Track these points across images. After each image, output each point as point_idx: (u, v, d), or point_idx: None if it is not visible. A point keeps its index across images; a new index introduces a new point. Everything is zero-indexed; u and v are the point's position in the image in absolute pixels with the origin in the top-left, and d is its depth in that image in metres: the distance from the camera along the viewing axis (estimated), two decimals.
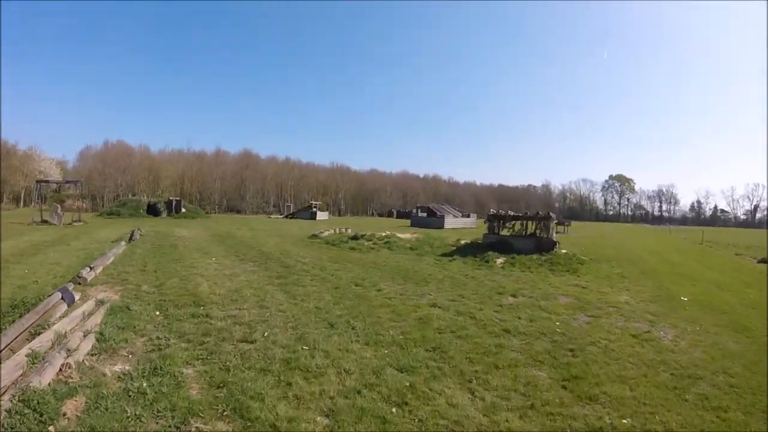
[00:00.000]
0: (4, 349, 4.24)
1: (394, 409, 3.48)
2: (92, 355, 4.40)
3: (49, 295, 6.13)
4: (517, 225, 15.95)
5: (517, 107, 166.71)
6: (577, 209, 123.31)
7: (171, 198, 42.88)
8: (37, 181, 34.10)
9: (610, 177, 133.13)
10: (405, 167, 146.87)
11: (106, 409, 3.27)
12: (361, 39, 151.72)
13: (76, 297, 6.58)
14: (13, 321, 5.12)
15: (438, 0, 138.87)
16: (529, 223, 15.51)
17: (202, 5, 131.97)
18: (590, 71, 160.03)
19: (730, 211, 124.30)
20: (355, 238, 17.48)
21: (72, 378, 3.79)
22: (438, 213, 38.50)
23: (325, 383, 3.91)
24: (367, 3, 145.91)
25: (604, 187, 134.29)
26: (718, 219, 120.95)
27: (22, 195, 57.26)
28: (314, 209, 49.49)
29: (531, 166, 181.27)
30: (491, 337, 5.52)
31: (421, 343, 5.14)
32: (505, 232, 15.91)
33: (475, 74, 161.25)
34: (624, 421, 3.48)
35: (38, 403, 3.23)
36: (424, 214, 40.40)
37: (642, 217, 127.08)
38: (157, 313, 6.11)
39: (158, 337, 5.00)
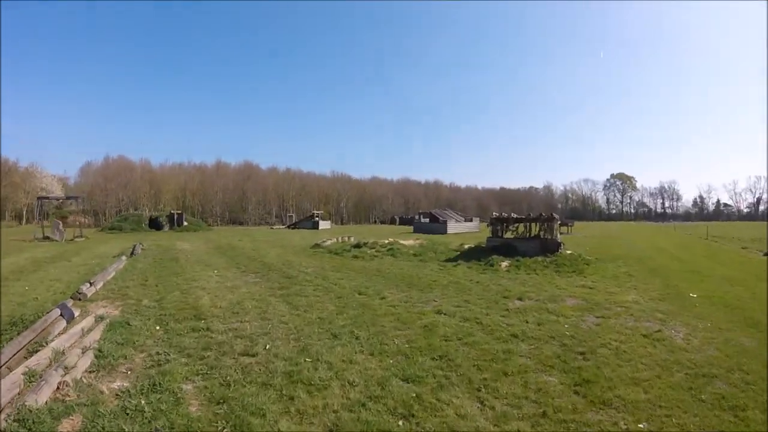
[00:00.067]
0: (1, 367, 4.16)
1: (400, 422, 3.36)
2: (90, 372, 4.31)
3: (48, 312, 6.05)
4: (521, 227, 15.83)
5: (517, 108, 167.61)
6: (579, 209, 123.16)
7: (173, 211, 42.92)
8: (38, 198, 34.16)
9: (612, 176, 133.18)
10: (406, 173, 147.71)
11: (103, 428, 3.20)
12: (360, 46, 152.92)
13: (76, 313, 6.48)
14: (11, 339, 5.04)
15: (438, 1, 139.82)
16: (533, 225, 15.39)
17: (201, 19, 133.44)
18: (590, 71, 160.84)
19: (733, 204, 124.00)
20: (357, 246, 17.37)
21: (69, 396, 3.72)
22: (441, 218, 38.45)
23: (328, 396, 3.79)
24: (367, 9, 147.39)
25: (605, 186, 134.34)
26: (722, 213, 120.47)
27: (24, 212, 57.45)
28: (316, 218, 49.45)
29: (532, 168, 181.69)
30: (499, 342, 5.39)
31: (427, 351, 5.02)
32: (508, 235, 15.79)
33: (476, 77, 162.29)
34: (640, 425, 3.35)
35: (34, 422, 3.19)
36: (427, 220, 40.38)
37: (645, 214, 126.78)
38: (158, 327, 6.00)
39: (158, 353, 4.90)
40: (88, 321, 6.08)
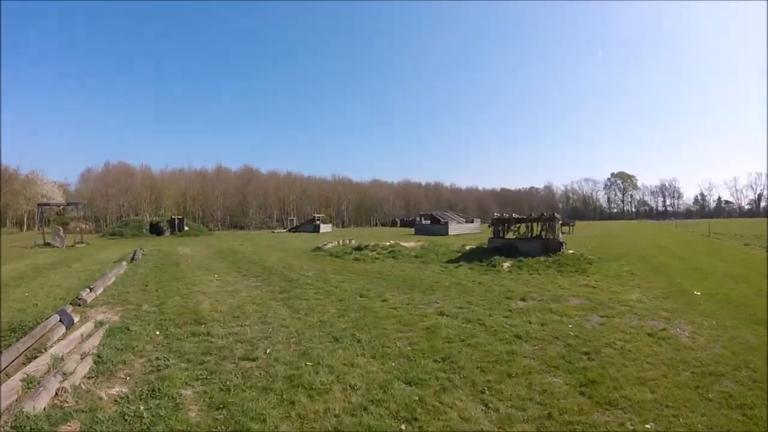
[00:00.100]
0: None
1: (403, 426, 3.30)
2: (89, 378, 4.27)
3: (47, 318, 6.02)
4: (523, 227, 15.77)
5: (517, 108, 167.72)
6: (580, 209, 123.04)
7: (173, 216, 42.92)
8: (39, 204, 34.20)
9: (612, 175, 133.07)
10: (406, 176, 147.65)
11: None
12: (359, 49, 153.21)
13: (75, 319, 6.45)
14: (10, 345, 5.00)
15: (438, 1, 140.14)
16: (535, 225, 15.33)
17: (201, 25, 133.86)
18: (590, 71, 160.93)
19: (734, 201, 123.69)
20: (359, 248, 17.32)
21: (67, 402, 3.69)
22: (442, 220, 38.35)
23: (329, 400, 3.73)
24: (367, 10, 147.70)
25: (606, 185, 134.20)
26: (723, 210, 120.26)
27: (25, 219, 57.52)
28: (317, 222, 49.40)
29: (532, 169, 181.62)
30: (502, 344, 5.32)
31: (430, 353, 4.95)
32: (510, 236, 15.74)
33: (475, 78, 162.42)
34: (647, 426, 3.29)
35: (31, 429, 3.18)
36: (428, 222, 40.25)
37: (646, 213, 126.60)
38: (157, 332, 5.96)
39: (157, 358, 4.85)
40: (87, 327, 6.03)
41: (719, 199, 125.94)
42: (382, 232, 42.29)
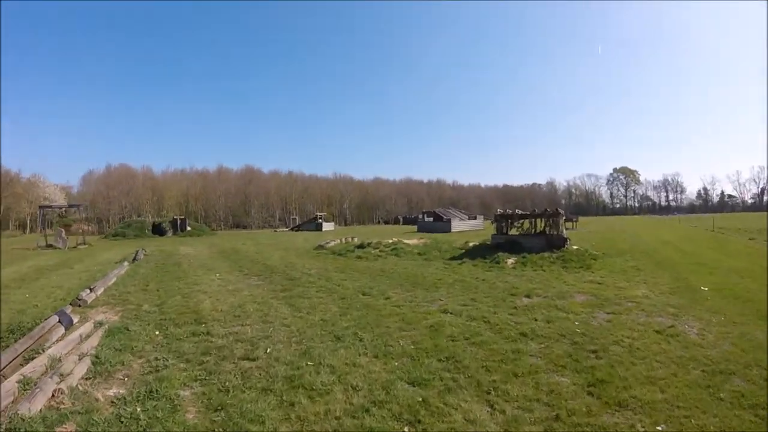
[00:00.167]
0: None
1: (406, 429, 3.20)
2: (86, 379, 4.21)
3: (46, 319, 5.96)
4: (526, 224, 15.65)
5: (518, 108, 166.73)
6: (583, 204, 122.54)
7: (176, 217, 42.97)
8: (40, 207, 34.31)
9: (615, 170, 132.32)
10: (408, 173, 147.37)
11: None
12: (359, 49, 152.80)
13: (75, 319, 6.40)
14: (8, 346, 4.95)
15: (438, 1, 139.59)
16: (538, 220, 15.21)
17: (201, 25, 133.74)
18: (590, 71, 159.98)
19: (737, 195, 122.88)
20: (361, 246, 17.24)
21: (64, 404, 3.63)
22: (444, 217, 38.19)
23: (330, 402, 3.64)
24: (367, 10, 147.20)
25: (609, 180, 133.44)
26: (726, 205, 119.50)
27: (28, 221, 57.75)
28: (319, 220, 49.39)
29: (534, 165, 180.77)
30: (508, 342, 5.22)
31: (434, 352, 4.85)
32: (513, 232, 15.62)
33: (475, 78, 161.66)
34: (658, 428, 3.19)
35: (26, 431, 3.12)
36: (431, 219, 40.10)
37: (649, 208, 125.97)
38: (157, 332, 5.89)
39: (156, 358, 4.78)
40: (86, 327, 5.97)
41: (722, 193, 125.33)
42: (384, 230, 42.19)
